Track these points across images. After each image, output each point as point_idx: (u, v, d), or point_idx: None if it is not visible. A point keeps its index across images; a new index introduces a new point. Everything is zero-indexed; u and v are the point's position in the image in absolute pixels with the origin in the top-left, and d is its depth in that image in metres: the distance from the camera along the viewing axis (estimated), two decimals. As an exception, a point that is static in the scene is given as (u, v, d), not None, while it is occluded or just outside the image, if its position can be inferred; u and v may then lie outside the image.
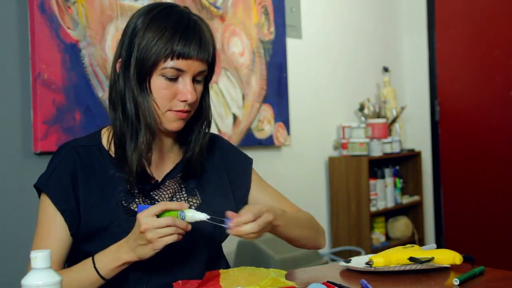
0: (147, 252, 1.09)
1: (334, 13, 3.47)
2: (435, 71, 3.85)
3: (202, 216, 1.10)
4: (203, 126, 1.27)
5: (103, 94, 2.25)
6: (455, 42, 3.77)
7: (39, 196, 1.24)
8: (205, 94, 1.27)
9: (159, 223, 1.06)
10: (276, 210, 1.22)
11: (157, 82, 1.17)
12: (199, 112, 1.26)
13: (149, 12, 1.19)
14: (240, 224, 1.10)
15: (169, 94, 1.17)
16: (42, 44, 2.07)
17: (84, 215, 1.19)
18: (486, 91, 3.62)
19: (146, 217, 1.06)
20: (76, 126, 2.14)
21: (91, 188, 1.20)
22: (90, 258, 1.14)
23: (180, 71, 1.16)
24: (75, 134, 2.09)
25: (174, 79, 1.17)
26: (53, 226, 1.19)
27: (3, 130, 2.03)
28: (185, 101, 1.17)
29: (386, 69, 3.77)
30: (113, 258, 1.12)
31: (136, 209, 1.20)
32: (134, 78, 1.17)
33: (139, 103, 1.17)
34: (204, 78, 1.24)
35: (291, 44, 3.14)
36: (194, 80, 1.19)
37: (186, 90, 1.17)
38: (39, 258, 0.85)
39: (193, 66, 1.17)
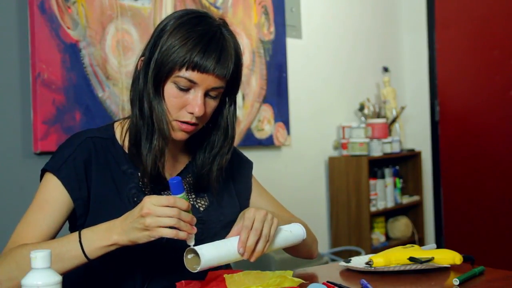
0: (140, 237, 1.03)
1: (334, 13, 3.47)
2: (435, 71, 3.85)
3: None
4: (226, 143, 1.25)
5: (103, 94, 2.25)
6: (455, 42, 3.77)
7: (41, 179, 1.21)
8: (228, 110, 1.24)
9: (163, 212, 1.01)
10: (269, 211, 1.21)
11: (169, 89, 1.15)
12: (221, 127, 1.24)
13: (180, 17, 1.17)
14: (248, 246, 1.08)
15: (178, 103, 1.15)
16: (42, 44, 2.07)
17: (93, 207, 1.17)
18: (486, 91, 3.62)
19: (152, 203, 1.01)
20: (76, 126, 2.14)
21: (104, 181, 1.19)
22: (76, 232, 1.07)
23: (192, 83, 1.14)
24: (75, 134, 2.09)
25: (185, 90, 1.15)
26: (52, 204, 1.15)
27: (3, 130, 2.03)
28: (192, 113, 1.15)
29: (386, 69, 3.77)
30: (102, 236, 1.05)
31: None
32: (151, 80, 1.16)
33: (153, 106, 1.16)
34: (227, 95, 1.22)
35: (291, 44, 3.14)
36: (207, 95, 1.17)
37: (195, 103, 1.14)
38: (39, 258, 0.85)
39: (207, 80, 1.14)
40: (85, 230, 1.08)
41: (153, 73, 1.15)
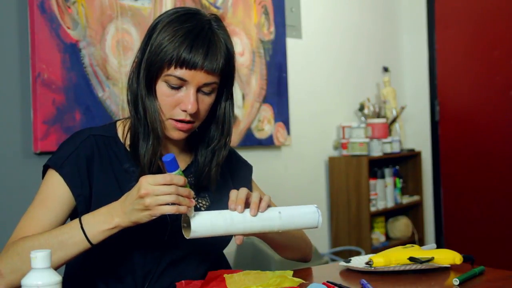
0: (142, 218, 1.04)
1: (334, 13, 3.47)
2: (435, 71, 3.85)
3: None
4: (222, 137, 1.25)
5: (103, 94, 2.25)
6: (455, 42, 3.76)
7: (43, 176, 1.21)
8: (224, 104, 1.23)
9: (160, 191, 1.01)
10: None
11: (161, 88, 1.15)
12: (218, 121, 1.24)
13: (170, 15, 1.17)
14: (239, 198, 1.09)
15: (171, 102, 1.15)
16: (42, 44, 2.07)
17: (95, 204, 1.17)
18: (486, 91, 3.62)
19: (149, 183, 1.02)
20: (76, 126, 2.14)
21: (106, 178, 1.19)
22: (77, 219, 1.08)
23: (183, 81, 1.13)
24: (75, 134, 2.09)
25: (177, 88, 1.14)
26: (54, 200, 1.16)
27: (3, 130, 2.03)
28: (185, 111, 1.15)
29: (386, 69, 3.77)
30: (103, 219, 1.06)
31: None
32: (143, 80, 1.16)
33: (147, 106, 1.16)
34: (223, 89, 1.22)
35: (291, 44, 3.14)
36: (200, 91, 1.16)
37: (188, 100, 1.13)
38: (39, 258, 0.85)
39: (197, 77, 1.13)
40: (86, 215, 1.09)
41: (144, 73, 1.15)
